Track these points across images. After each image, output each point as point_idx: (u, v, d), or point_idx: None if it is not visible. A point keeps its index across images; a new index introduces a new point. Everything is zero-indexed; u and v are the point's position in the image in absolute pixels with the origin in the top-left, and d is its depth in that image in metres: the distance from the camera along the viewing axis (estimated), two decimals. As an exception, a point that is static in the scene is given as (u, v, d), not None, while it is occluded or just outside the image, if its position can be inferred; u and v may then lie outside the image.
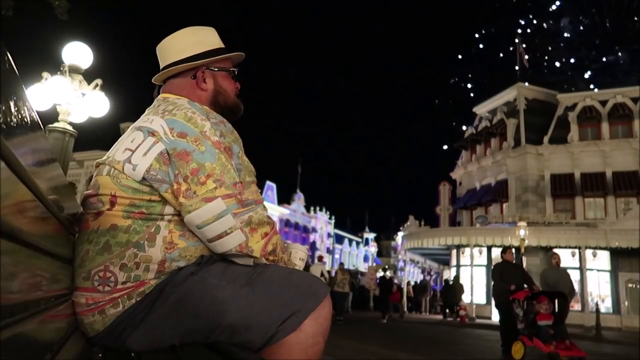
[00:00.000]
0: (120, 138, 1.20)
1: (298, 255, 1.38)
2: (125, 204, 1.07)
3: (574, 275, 18.37)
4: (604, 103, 21.25)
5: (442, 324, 15.98)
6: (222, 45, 1.34)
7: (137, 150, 1.09)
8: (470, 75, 30.27)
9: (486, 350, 8.79)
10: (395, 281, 21.14)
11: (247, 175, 1.13)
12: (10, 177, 0.58)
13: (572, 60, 28.12)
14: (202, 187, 1.05)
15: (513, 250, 7.36)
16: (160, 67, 1.30)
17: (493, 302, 18.32)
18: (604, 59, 27.09)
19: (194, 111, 1.13)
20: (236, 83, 1.36)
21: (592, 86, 25.67)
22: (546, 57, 28.46)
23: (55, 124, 4.49)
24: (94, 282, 1.05)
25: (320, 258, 14.04)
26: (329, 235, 48.44)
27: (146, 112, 1.23)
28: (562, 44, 27.97)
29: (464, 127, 25.88)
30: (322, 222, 48.36)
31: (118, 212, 1.07)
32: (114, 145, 1.20)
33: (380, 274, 25.12)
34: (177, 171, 1.05)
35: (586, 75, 26.52)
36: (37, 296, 0.76)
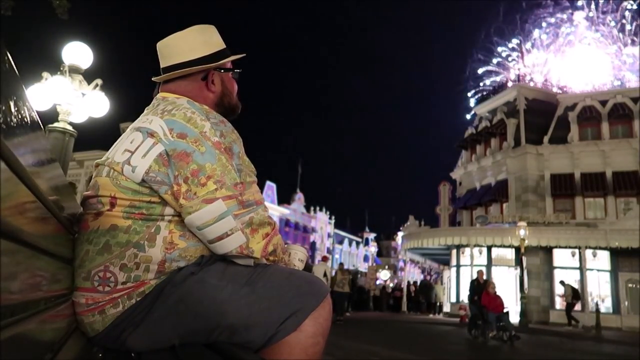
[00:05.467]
0: (120, 139, 1.19)
1: (297, 256, 1.37)
2: (125, 205, 1.06)
3: (574, 276, 18.50)
4: (604, 103, 21.26)
5: (442, 324, 15.98)
6: (224, 44, 1.33)
7: (136, 152, 1.08)
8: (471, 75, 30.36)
9: (486, 351, 8.78)
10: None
11: (247, 176, 1.12)
12: (10, 177, 0.58)
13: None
14: (202, 189, 1.04)
15: None
16: (163, 66, 1.28)
17: None
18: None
19: (193, 111, 1.12)
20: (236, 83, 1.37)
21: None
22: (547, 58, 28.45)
23: (55, 124, 4.49)
24: (94, 282, 1.05)
25: (325, 258, 13.99)
26: (329, 235, 48.40)
27: (145, 111, 1.22)
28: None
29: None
30: (322, 222, 48.35)
31: (118, 213, 1.07)
32: (113, 146, 1.19)
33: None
34: (177, 172, 1.04)
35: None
36: (37, 296, 0.76)
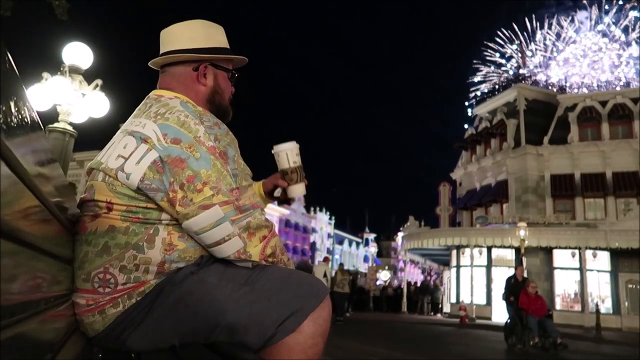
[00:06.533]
0: (112, 141, 1.17)
1: (295, 151, 1.36)
2: (121, 210, 1.06)
3: (574, 276, 18.49)
4: (604, 104, 21.26)
5: (442, 324, 15.98)
6: (228, 46, 1.32)
7: (130, 158, 1.07)
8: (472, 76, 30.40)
9: (486, 351, 8.78)
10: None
11: (243, 180, 1.11)
12: (10, 177, 0.58)
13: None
14: (198, 195, 1.03)
15: None
16: (161, 52, 1.27)
17: (493, 303, 17.52)
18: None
19: (187, 114, 1.10)
20: (232, 87, 1.34)
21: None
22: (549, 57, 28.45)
23: (56, 124, 4.49)
24: (93, 284, 1.05)
25: (326, 259, 13.97)
26: (329, 235, 48.43)
27: (137, 111, 1.20)
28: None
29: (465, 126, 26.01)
30: (322, 223, 48.35)
31: (115, 216, 1.06)
32: (105, 149, 1.17)
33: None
34: (173, 179, 1.03)
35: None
36: (37, 296, 0.76)
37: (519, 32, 29.68)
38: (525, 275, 16.86)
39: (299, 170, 1.39)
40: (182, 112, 1.11)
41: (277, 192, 1.46)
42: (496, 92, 25.56)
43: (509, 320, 8.88)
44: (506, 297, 9.04)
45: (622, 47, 26.71)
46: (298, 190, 1.41)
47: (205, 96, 1.26)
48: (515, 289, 8.81)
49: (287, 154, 1.35)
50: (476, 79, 29.29)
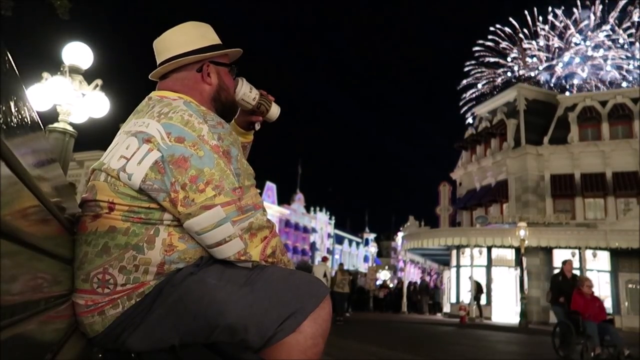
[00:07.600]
0: (115, 142, 1.17)
1: (247, 90, 1.34)
2: (123, 210, 1.06)
3: (574, 276, 18.47)
4: (604, 103, 21.28)
5: (442, 324, 15.98)
6: (220, 41, 1.33)
7: (132, 159, 1.07)
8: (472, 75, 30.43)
9: (486, 351, 8.79)
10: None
11: (246, 179, 1.10)
12: (10, 178, 0.58)
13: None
14: (201, 195, 1.03)
15: None
16: (159, 62, 1.27)
17: (493, 303, 17.59)
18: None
19: (190, 114, 1.11)
20: (234, 81, 1.35)
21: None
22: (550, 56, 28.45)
23: (55, 124, 4.49)
24: (93, 284, 1.04)
25: (325, 259, 13.96)
26: (329, 235, 48.45)
27: (138, 112, 1.20)
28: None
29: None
30: (322, 223, 48.35)
31: (117, 216, 1.06)
32: (108, 150, 1.17)
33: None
34: (174, 179, 1.03)
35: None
36: (37, 297, 0.76)
37: (520, 31, 29.71)
38: (525, 274, 17.06)
39: (263, 99, 1.39)
40: (185, 112, 1.11)
41: (257, 126, 1.48)
42: (496, 92, 25.62)
43: (558, 326, 7.43)
44: (554, 298, 7.47)
45: (624, 48, 26.74)
46: (273, 114, 1.42)
47: (210, 95, 1.27)
48: (565, 288, 7.24)
49: (243, 99, 1.35)
50: (476, 80, 29.32)
